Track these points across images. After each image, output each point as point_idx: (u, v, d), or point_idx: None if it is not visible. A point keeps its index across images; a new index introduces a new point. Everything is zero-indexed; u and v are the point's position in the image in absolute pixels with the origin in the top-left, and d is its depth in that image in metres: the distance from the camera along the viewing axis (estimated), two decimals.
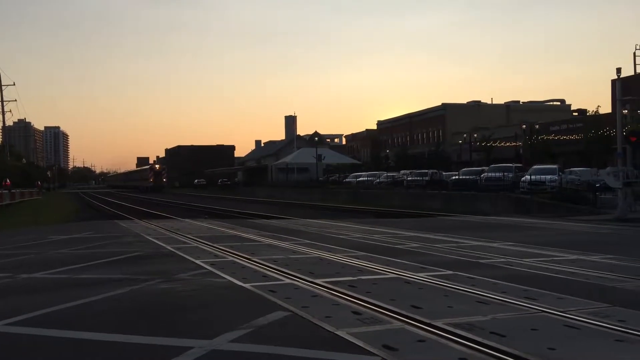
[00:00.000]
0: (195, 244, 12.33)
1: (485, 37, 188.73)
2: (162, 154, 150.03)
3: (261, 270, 8.56)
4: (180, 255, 10.42)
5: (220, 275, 8.08)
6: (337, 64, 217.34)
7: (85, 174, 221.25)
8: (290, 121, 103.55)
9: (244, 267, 8.94)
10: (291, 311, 5.77)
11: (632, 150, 19.84)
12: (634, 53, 19.92)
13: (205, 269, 8.76)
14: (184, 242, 12.78)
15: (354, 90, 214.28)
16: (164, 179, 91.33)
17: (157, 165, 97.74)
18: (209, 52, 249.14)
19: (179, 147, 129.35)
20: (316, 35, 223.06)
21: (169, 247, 11.74)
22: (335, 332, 4.95)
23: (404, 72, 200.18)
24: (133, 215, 27.96)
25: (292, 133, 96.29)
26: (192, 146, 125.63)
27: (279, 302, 6.18)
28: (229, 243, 12.37)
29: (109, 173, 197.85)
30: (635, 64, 20.06)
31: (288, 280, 7.60)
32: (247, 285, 7.25)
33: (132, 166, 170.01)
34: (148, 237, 14.07)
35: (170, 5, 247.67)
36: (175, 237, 14.19)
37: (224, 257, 10.09)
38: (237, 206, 36.64)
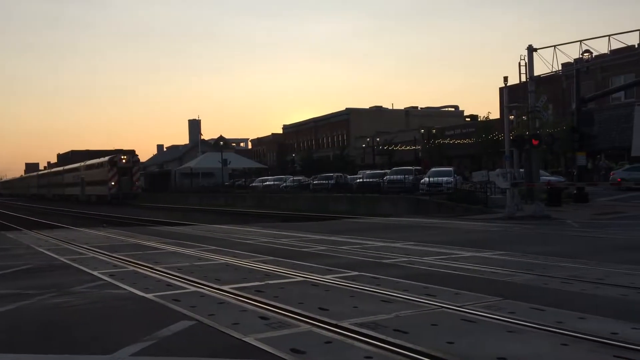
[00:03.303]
0: (92, 255, 11.66)
1: (386, 44, 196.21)
2: (53, 160, 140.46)
3: (164, 279, 8.26)
4: (76, 267, 9.80)
5: (119, 287, 7.69)
6: (242, 68, 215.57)
7: None
8: (194, 125, 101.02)
9: (146, 276, 8.57)
10: (197, 320, 5.61)
11: (519, 153, 21.41)
12: (519, 63, 21.57)
13: (104, 280, 8.30)
14: (80, 253, 12.03)
15: (260, 94, 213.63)
16: (137, 181, 56.46)
17: (123, 158, 56.05)
18: (105, 52, 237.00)
19: (72, 152, 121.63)
20: (220, 37, 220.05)
21: (62, 259, 11.00)
22: (243, 339, 4.88)
23: (309, 77, 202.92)
24: (21, 225, 25.94)
25: (196, 137, 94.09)
26: (87, 151, 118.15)
27: (184, 312, 5.99)
28: (130, 252, 11.82)
29: None
30: (520, 73, 21.74)
31: (193, 288, 7.39)
32: (149, 296, 6.96)
33: (18, 173, 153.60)
34: (39, 249, 13.10)
35: (63, 2, 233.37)
36: (70, 247, 13.33)
37: (124, 267, 9.62)
38: (138, 213, 35.17)
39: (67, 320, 5.92)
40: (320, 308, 5.94)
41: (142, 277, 8.52)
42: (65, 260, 10.75)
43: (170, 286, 7.62)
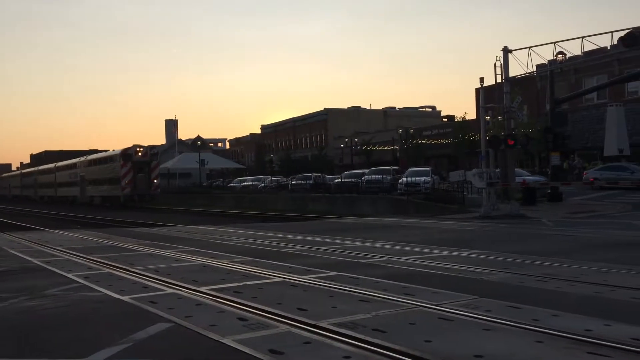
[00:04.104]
0: (67, 257, 11.46)
1: (364, 45, 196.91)
2: (26, 160, 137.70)
3: (141, 281, 8.16)
4: (50, 270, 9.62)
5: (95, 289, 7.57)
6: (220, 67, 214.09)
7: None
8: (171, 125, 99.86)
9: (121, 278, 8.46)
10: (174, 322, 5.55)
11: (495, 153, 21.70)
12: (495, 64, 21.86)
13: (78, 282, 8.16)
14: (54, 255, 11.82)
15: (238, 94, 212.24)
16: (156, 179, 45.19)
17: (138, 150, 44.69)
18: (78, 51, 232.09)
19: (45, 152, 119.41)
20: (197, 37, 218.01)
21: (36, 261, 10.79)
22: (221, 341, 4.84)
23: (287, 77, 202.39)
24: None
25: (173, 137, 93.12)
26: (61, 151, 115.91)
27: (161, 314, 5.92)
28: (105, 254, 11.65)
29: None
30: (495, 74, 22.02)
31: (170, 290, 7.32)
32: (125, 298, 6.86)
33: None
34: (12, 251, 12.82)
35: None
36: (44, 249, 13.08)
37: (100, 269, 9.48)
38: (114, 214, 34.68)
39: (41, 323, 5.81)
40: (299, 308, 5.93)
41: (118, 279, 8.40)
42: (38, 263, 10.55)
43: (146, 288, 7.52)
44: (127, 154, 44.41)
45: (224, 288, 7.28)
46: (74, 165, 55.33)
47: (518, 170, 29.51)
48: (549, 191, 26.14)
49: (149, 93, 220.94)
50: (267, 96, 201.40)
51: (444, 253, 10.60)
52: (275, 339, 4.84)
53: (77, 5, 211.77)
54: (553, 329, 4.94)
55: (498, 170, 21.89)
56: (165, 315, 5.82)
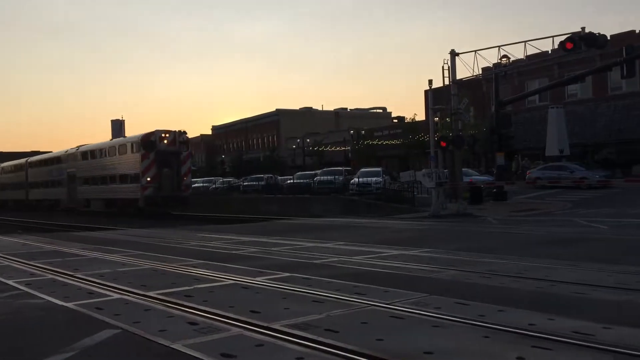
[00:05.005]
0: (7, 263, 10.95)
1: (315, 46, 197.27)
2: None
3: (86, 286, 7.89)
4: None
5: (37, 296, 7.27)
6: (169, 67, 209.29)
7: None
8: (118, 125, 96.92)
9: (65, 284, 8.15)
10: (121, 328, 5.39)
11: (443, 154, 22.22)
12: (443, 67, 22.39)
13: (20, 289, 7.81)
14: None
15: (188, 94, 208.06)
16: (186, 176, 33.93)
17: (164, 135, 32.90)
18: (15, 50, 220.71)
19: None
20: (145, 36, 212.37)
21: None
22: (171, 346, 4.74)
23: (238, 78, 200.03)
24: None
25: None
26: (2, 153, 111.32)
27: (107, 320, 5.74)
28: (48, 259, 11.20)
29: None
30: (444, 77, 22.56)
31: (117, 296, 7.11)
32: (69, 305, 6.61)
33: None
34: None
35: None
36: None
37: (43, 275, 9.11)
38: (58, 218, 33.43)
39: None
40: (251, 311, 5.87)
41: (62, 285, 8.10)
42: None
43: (92, 294, 7.28)
44: (150, 141, 32.47)
45: (173, 292, 7.14)
46: (58, 160, 43.65)
47: (467, 170, 30.38)
48: (495, 190, 26.99)
49: (94, 92, 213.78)
50: (218, 97, 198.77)
51: (395, 252, 10.75)
52: (227, 343, 4.78)
53: (16, 1, 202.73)
54: (499, 324, 5.09)
55: (447, 170, 22.43)
56: (112, 322, 5.64)
